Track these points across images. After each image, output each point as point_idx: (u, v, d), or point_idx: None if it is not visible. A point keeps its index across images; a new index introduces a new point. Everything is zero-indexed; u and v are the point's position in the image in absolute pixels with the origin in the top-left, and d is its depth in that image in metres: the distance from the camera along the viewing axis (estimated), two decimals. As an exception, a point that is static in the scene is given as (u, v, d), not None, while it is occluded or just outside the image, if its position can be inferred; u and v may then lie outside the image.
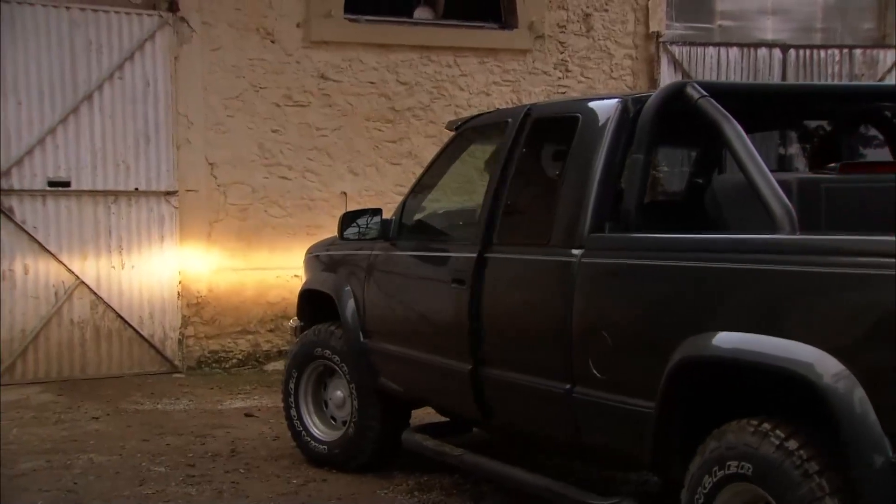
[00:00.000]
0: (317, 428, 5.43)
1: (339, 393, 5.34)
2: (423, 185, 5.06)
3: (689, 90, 3.57)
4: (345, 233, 5.04)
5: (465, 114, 8.82)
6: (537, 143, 4.25)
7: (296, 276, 8.50)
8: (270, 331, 8.47)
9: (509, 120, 4.33)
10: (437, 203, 5.28)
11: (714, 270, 3.20)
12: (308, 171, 8.56)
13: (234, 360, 8.34)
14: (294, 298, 8.52)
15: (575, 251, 3.74)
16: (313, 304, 5.63)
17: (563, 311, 3.74)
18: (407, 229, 4.92)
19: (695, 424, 3.26)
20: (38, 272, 7.51)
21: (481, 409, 4.26)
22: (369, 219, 5.02)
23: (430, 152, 8.90)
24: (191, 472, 5.25)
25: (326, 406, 5.46)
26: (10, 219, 7.42)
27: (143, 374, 7.84)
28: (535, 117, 4.23)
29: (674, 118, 3.72)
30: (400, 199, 8.56)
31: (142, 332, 7.87)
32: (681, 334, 3.21)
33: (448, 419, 5.17)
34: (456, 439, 4.86)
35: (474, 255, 4.21)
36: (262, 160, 8.37)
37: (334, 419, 5.41)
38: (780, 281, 2.98)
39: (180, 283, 8.04)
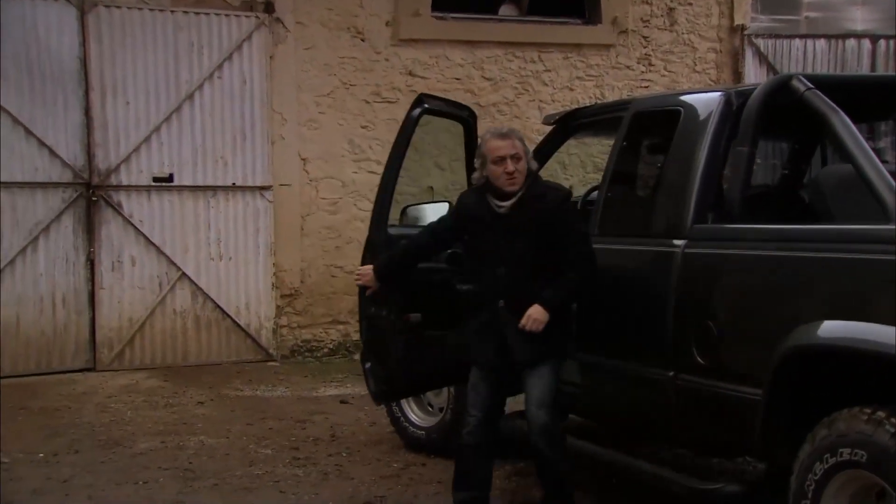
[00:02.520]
0: (414, 414, 5.60)
1: (436, 380, 5.51)
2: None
3: (795, 83, 3.63)
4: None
5: (550, 109, 8.95)
6: (640, 136, 4.35)
7: (384, 268, 8.71)
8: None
9: (613, 114, 4.45)
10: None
11: (823, 260, 3.26)
12: (396, 166, 8.74)
13: (326, 350, 8.60)
14: (383, 290, 8.74)
15: (678, 241, 3.85)
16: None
17: (666, 300, 3.85)
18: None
19: (801, 412, 3.34)
20: (143, 264, 7.85)
21: (585, 394, 4.38)
22: (437, 211, 5.18)
23: (514, 147, 9.04)
24: (296, 455, 5.47)
25: (423, 393, 5.63)
26: (119, 213, 7.77)
27: (240, 362, 8.14)
28: (637, 111, 4.33)
29: (774, 110, 3.79)
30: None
31: (239, 322, 8.16)
32: (789, 323, 3.29)
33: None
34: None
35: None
36: (351, 155, 8.60)
37: (431, 406, 5.57)
38: (891, 270, 3.03)
39: (274, 274, 8.32)
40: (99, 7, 7.57)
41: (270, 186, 8.22)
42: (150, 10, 7.74)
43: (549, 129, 5.28)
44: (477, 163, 4.08)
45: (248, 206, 8.16)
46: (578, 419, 5.18)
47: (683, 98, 4.19)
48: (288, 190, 8.38)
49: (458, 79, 8.83)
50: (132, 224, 7.78)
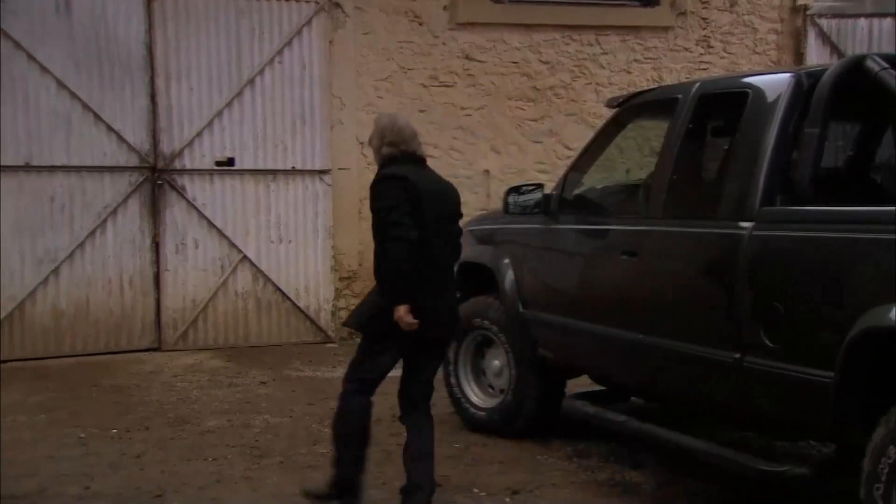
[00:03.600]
0: (475, 395, 5.68)
1: (496, 362, 5.56)
2: (583, 161, 5.19)
3: (870, 63, 3.60)
4: (509, 207, 5.20)
5: (606, 92, 8.92)
6: (705, 118, 4.33)
7: (440, 251, 8.78)
8: (416, 304, 8.77)
9: (678, 96, 4.43)
10: (598, 178, 5.40)
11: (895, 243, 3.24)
12: (452, 150, 8.81)
13: (383, 332, 8.68)
14: (440, 273, 8.81)
15: (745, 224, 3.83)
16: (470, 276, 5.86)
17: (733, 282, 3.84)
18: (568, 204, 5.05)
19: (875, 394, 3.32)
20: (206, 247, 8.00)
21: (648, 377, 4.40)
22: (532, 193, 5.17)
23: (570, 130, 9.04)
24: (359, 434, 5.56)
25: (484, 374, 5.69)
26: (183, 196, 7.93)
27: (299, 344, 8.26)
28: (703, 93, 4.31)
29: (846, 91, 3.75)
30: (541, 176, 8.79)
31: (298, 304, 8.28)
32: (860, 305, 3.27)
33: (604, 388, 5.32)
34: (615, 407, 5.01)
35: (645, 227, 4.34)
36: (409, 139, 8.65)
37: (492, 387, 5.64)
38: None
39: (333, 257, 8.42)
40: (165, -6, 7.74)
41: (329, 170, 8.31)
42: (214, -4, 7.89)
43: (608, 111, 5.29)
44: None
45: (308, 190, 8.26)
46: (641, 401, 5.22)
47: (751, 80, 4.16)
48: (346, 174, 8.47)
49: (514, 62, 8.83)
50: (195, 207, 7.94)
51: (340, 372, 7.36)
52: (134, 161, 7.78)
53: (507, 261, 5.43)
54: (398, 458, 5.11)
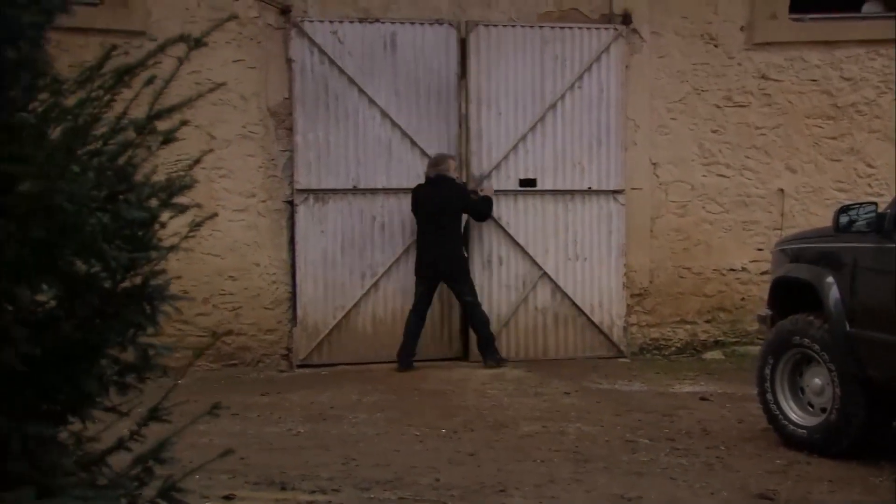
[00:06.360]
0: (794, 413, 5.65)
1: (816, 380, 5.51)
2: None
3: None
4: (840, 226, 5.19)
5: (915, 107, 8.54)
6: None
7: (731, 269, 8.77)
8: (707, 321, 8.80)
9: None
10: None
11: None
12: (745, 169, 8.77)
13: (673, 348, 8.78)
14: (730, 292, 8.83)
15: None
16: (784, 294, 5.86)
17: None
18: (905, 222, 4.97)
19: None
20: (510, 263, 8.45)
21: None
22: (864, 212, 5.13)
23: (873, 148, 8.73)
24: (674, 446, 5.68)
25: (803, 392, 5.66)
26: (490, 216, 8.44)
27: (593, 358, 8.51)
28: None
29: None
30: (839, 195, 8.57)
31: (593, 319, 8.54)
32: None
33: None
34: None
35: None
36: (701, 159, 8.73)
37: (811, 405, 5.59)
38: None
39: (625, 274, 8.62)
40: (478, 27, 8.29)
41: (623, 190, 8.54)
42: (521, 26, 8.35)
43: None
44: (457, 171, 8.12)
45: (602, 210, 8.53)
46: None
47: None
48: (639, 193, 8.66)
49: (814, 80, 8.67)
50: (501, 226, 8.40)
51: (637, 386, 7.61)
52: (445, 184, 8.38)
53: (830, 279, 5.39)
54: (720, 469, 5.22)
